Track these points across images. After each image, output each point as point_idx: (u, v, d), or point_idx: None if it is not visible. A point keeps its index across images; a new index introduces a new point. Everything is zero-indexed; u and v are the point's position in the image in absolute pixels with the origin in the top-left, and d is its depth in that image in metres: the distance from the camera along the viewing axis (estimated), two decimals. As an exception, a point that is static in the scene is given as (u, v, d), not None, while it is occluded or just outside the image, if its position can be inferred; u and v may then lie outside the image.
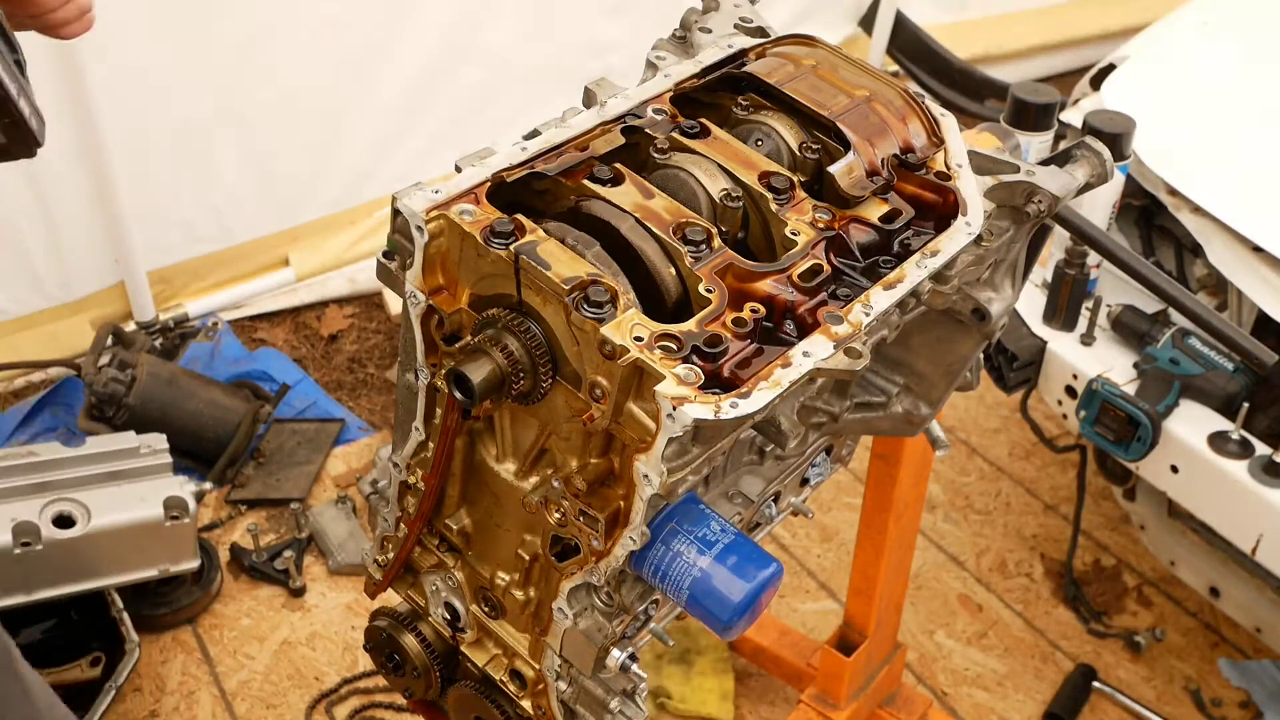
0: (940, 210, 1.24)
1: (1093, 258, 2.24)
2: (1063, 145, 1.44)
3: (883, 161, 1.24)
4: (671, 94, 1.29)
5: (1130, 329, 2.24)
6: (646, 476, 1.05)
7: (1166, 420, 2.10)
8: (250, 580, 2.58)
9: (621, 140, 1.24)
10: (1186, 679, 2.55)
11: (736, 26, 1.39)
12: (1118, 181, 2.14)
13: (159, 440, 2.41)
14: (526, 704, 1.32)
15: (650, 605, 1.22)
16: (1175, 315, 2.25)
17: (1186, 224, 2.20)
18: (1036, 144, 1.81)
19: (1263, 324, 2.15)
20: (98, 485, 2.29)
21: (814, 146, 1.26)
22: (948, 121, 1.31)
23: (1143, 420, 2.08)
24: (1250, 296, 2.11)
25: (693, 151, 1.22)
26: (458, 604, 1.33)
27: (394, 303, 3.17)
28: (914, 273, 1.17)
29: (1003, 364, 2.30)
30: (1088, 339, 2.27)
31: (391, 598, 1.41)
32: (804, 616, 2.63)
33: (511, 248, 1.08)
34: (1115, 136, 2.03)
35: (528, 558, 1.23)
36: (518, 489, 1.20)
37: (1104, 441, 2.15)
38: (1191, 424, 2.11)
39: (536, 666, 1.28)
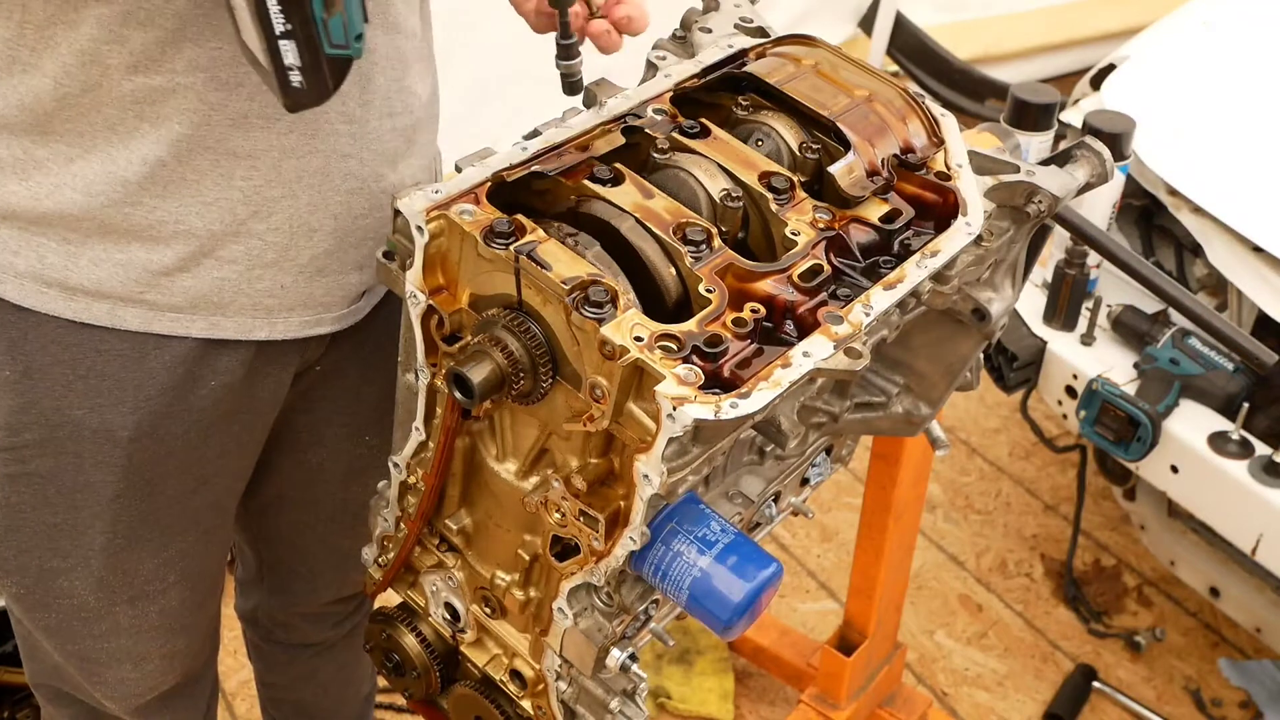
0: (940, 210, 1.24)
1: (1093, 258, 2.24)
2: (1063, 145, 1.44)
3: (883, 161, 1.24)
4: (671, 94, 1.29)
5: (1130, 329, 2.24)
6: (647, 476, 1.05)
7: (1166, 420, 2.10)
8: (250, 580, 2.57)
9: (622, 140, 1.24)
10: (1186, 679, 2.55)
11: (736, 26, 1.39)
12: (1118, 181, 2.15)
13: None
14: (527, 704, 1.32)
15: (650, 605, 1.21)
16: (1175, 315, 2.25)
17: (1186, 224, 2.20)
18: (1036, 144, 1.81)
19: (1263, 324, 2.15)
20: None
21: (814, 146, 1.26)
22: (948, 121, 1.31)
23: (1143, 420, 2.08)
24: (1250, 296, 2.11)
25: (693, 151, 1.22)
26: (458, 604, 1.33)
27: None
28: (914, 273, 1.17)
29: (1003, 364, 2.30)
30: (1088, 339, 2.27)
31: (391, 598, 1.41)
32: (804, 616, 2.63)
33: (511, 248, 1.08)
34: (1115, 136, 2.03)
35: (528, 558, 1.23)
36: (518, 489, 1.20)
37: (1104, 441, 2.15)
38: (1191, 424, 2.11)
39: (536, 666, 1.28)
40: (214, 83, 1.14)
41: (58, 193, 1.16)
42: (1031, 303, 2.32)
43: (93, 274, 1.19)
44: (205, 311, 1.24)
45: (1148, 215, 2.42)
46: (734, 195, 1.19)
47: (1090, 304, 2.27)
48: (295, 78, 0.99)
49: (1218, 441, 2.07)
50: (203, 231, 1.20)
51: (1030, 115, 1.81)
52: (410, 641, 1.38)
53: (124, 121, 1.13)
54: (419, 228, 1.12)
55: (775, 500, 1.37)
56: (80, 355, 1.22)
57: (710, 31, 1.38)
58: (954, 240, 1.20)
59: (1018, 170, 1.28)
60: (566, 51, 1.17)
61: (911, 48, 4.03)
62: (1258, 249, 2.10)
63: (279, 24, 0.96)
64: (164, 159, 1.15)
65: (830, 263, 1.16)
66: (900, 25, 4.02)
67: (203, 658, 1.58)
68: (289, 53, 0.98)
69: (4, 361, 1.23)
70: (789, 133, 1.27)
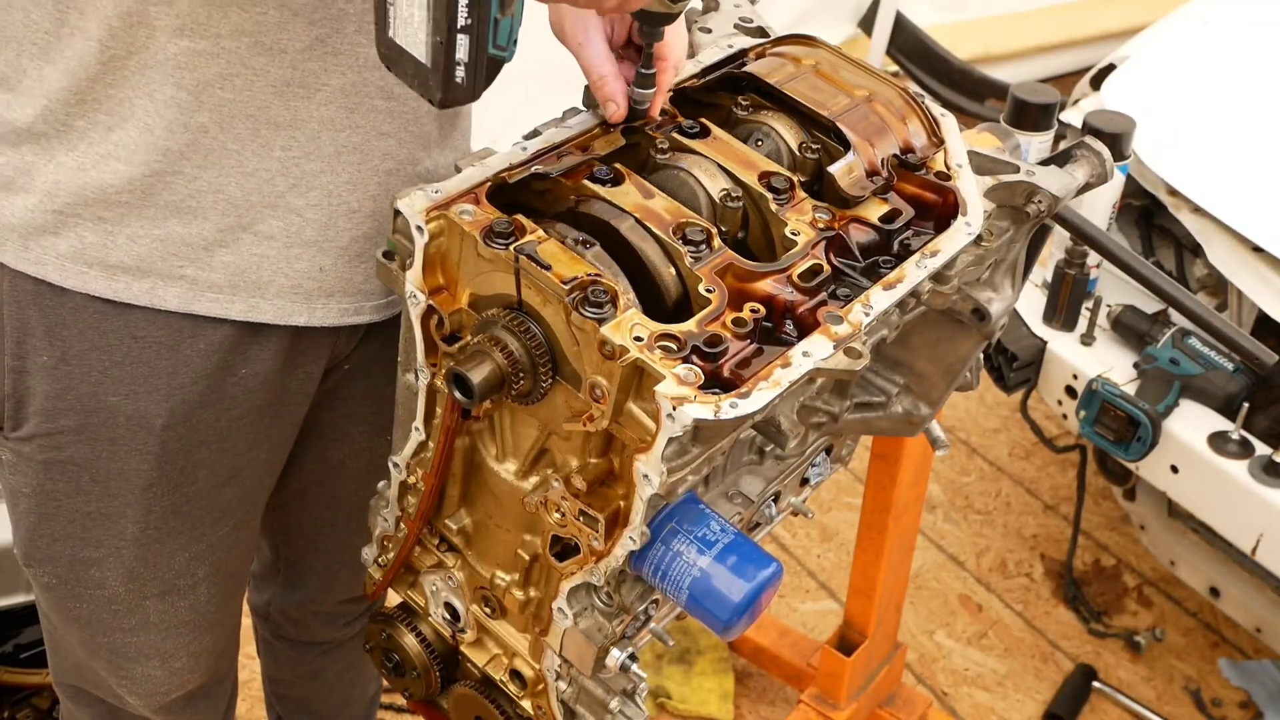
0: (940, 210, 1.24)
1: (1093, 258, 2.24)
2: (1063, 145, 1.44)
3: (883, 161, 1.24)
4: (671, 94, 1.29)
5: (1130, 329, 2.25)
6: (646, 476, 1.05)
7: (1166, 420, 2.10)
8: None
9: (622, 140, 1.24)
10: (1186, 679, 2.55)
11: (736, 27, 1.39)
12: (1118, 181, 2.15)
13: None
14: (526, 704, 1.32)
15: (650, 605, 1.22)
16: (1175, 315, 2.25)
17: (1186, 224, 2.20)
18: (1036, 144, 1.80)
19: (1263, 324, 2.15)
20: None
21: (814, 146, 1.26)
22: (948, 121, 1.31)
23: (1143, 420, 2.08)
24: (1250, 296, 2.11)
25: (693, 151, 1.22)
26: (458, 604, 1.33)
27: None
28: (914, 273, 1.17)
29: (1003, 364, 2.30)
30: (1088, 339, 2.27)
31: (391, 598, 1.41)
32: (804, 616, 2.63)
33: (511, 248, 1.08)
34: (1115, 136, 2.03)
35: (528, 558, 1.23)
36: (518, 489, 1.20)
37: (1104, 441, 2.15)
38: (1191, 424, 2.11)
39: (536, 666, 1.28)
40: (258, 48, 1.15)
41: (102, 163, 1.17)
42: (1031, 303, 2.32)
43: (132, 250, 1.20)
44: (245, 292, 1.24)
45: (1148, 215, 2.42)
46: (734, 195, 1.19)
47: (1090, 304, 2.27)
48: (459, 73, 0.99)
49: (1218, 441, 2.07)
50: (241, 202, 1.21)
51: (1030, 115, 1.81)
52: (410, 641, 1.38)
53: (164, 88, 1.14)
54: (419, 227, 1.12)
55: (775, 500, 1.37)
56: (116, 342, 1.24)
57: (710, 31, 1.38)
58: (954, 240, 1.20)
59: (1018, 170, 1.28)
60: (646, 81, 1.22)
61: (911, 48, 4.04)
62: (1258, 249, 2.10)
63: (463, 17, 0.97)
64: (206, 125, 1.16)
65: (830, 263, 1.17)
66: (900, 25, 4.02)
67: (228, 658, 1.58)
68: (462, 47, 0.98)
69: (42, 346, 1.24)
70: (789, 133, 1.27)
